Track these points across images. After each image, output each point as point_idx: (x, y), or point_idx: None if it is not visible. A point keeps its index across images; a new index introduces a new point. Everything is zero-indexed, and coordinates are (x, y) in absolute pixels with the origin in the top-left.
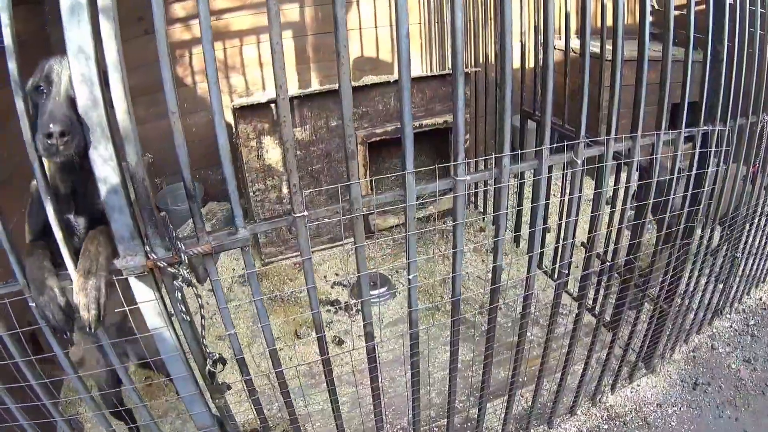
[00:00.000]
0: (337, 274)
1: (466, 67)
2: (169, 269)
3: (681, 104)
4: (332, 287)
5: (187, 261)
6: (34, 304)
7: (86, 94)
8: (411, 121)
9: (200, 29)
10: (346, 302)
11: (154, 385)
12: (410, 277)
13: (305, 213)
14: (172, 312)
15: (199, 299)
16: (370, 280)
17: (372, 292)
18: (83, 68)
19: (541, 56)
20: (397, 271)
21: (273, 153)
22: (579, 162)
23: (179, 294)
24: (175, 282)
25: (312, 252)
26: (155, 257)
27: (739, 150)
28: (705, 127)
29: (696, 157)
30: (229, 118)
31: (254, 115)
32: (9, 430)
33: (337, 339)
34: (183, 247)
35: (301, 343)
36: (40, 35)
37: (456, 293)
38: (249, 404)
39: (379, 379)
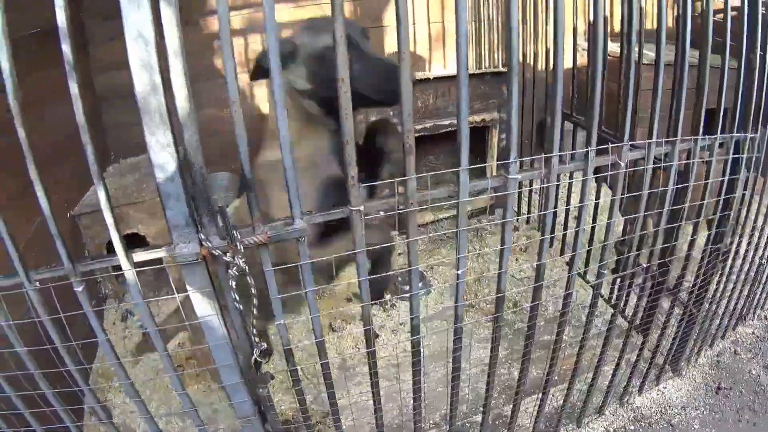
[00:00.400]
0: None
1: (503, 66)
2: (224, 258)
3: (717, 110)
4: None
5: (242, 250)
6: (80, 289)
7: (146, 80)
8: (467, 118)
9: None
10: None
11: (186, 375)
12: (459, 272)
13: (361, 207)
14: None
15: (252, 289)
16: (405, 275)
17: (405, 287)
18: (143, 54)
19: (578, 57)
20: (431, 268)
21: None
22: (623, 164)
23: (233, 283)
24: (229, 271)
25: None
26: (210, 245)
27: None
28: (739, 134)
29: (729, 163)
30: (266, 110)
31: None
32: (41, 415)
33: (373, 333)
34: (239, 236)
35: (336, 336)
36: (74, 23)
37: (501, 289)
38: (292, 394)
39: (422, 373)
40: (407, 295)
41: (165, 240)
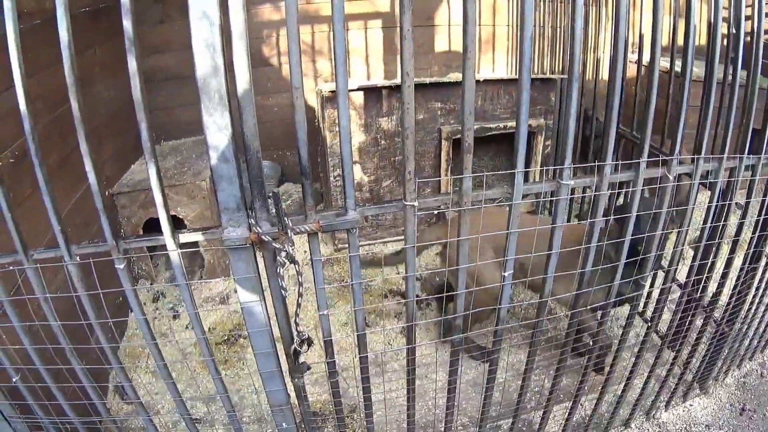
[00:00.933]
0: None
1: (552, 73)
2: (273, 244)
3: (762, 131)
4: (404, 279)
5: (293, 238)
6: (121, 266)
7: (207, 60)
8: (527, 121)
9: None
10: (417, 295)
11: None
12: (506, 273)
13: (416, 203)
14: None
15: (299, 277)
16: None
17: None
18: (206, 34)
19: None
20: None
21: (356, 139)
22: (671, 178)
23: (281, 270)
24: (278, 258)
25: (386, 242)
26: (260, 231)
27: None
28: None
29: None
30: (313, 101)
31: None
32: (67, 390)
33: (405, 330)
34: (290, 224)
35: (369, 332)
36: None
37: (546, 294)
38: (320, 386)
39: (459, 373)
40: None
41: (202, 224)
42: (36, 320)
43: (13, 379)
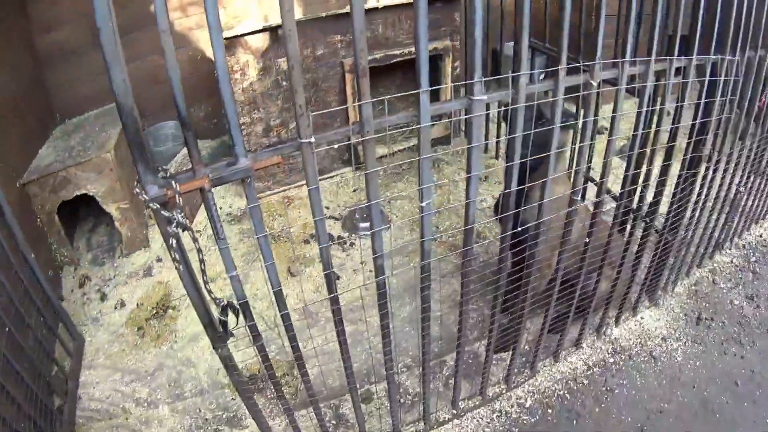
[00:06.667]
0: (327, 207)
1: None
2: (162, 212)
3: (691, 33)
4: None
5: (181, 201)
6: None
7: None
8: (426, 38)
9: None
10: (339, 236)
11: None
12: (423, 204)
13: (312, 140)
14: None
15: (196, 243)
16: (362, 212)
17: (363, 225)
18: None
19: None
20: (389, 202)
21: (258, 84)
22: (595, 84)
23: (173, 241)
24: (168, 228)
25: (299, 186)
26: (146, 197)
27: (747, 83)
28: (717, 56)
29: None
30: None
31: (237, 46)
32: None
33: (333, 275)
34: (177, 186)
35: (297, 281)
36: None
37: (469, 221)
38: (253, 349)
39: (389, 315)
40: (366, 233)
41: (113, 198)
42: None
43: None
